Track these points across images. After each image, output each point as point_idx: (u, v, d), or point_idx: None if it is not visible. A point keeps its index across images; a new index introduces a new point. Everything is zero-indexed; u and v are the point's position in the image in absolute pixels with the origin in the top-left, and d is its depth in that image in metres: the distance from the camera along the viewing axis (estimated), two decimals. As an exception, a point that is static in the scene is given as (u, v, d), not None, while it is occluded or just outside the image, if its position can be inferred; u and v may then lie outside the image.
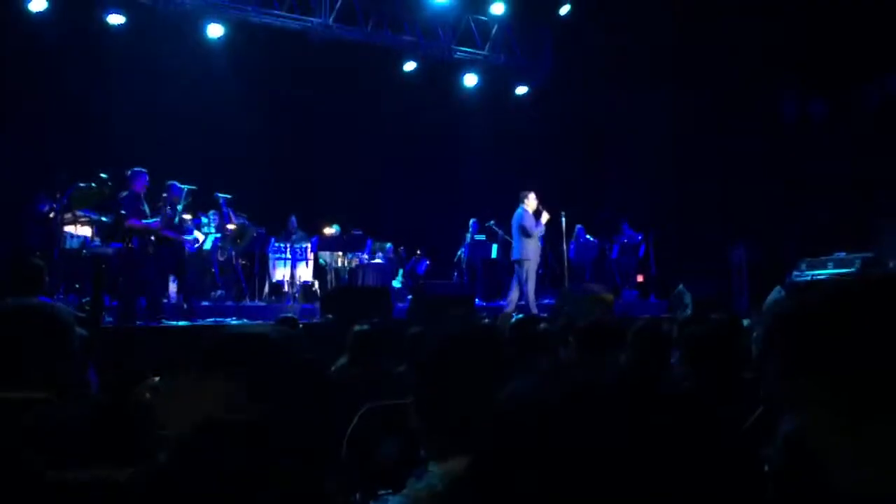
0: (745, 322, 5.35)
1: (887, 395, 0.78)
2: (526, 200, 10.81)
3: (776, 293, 10.87)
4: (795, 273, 12.09)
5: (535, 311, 10.14)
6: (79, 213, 9.51)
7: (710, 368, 3.28)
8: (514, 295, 10.83)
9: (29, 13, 11.47)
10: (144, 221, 8.61)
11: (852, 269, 11.14)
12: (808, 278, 11.80)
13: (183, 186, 9.41)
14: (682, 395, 0.69)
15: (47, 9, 11.53)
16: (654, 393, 0.68)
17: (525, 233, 10.66)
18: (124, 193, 8.68)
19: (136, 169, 8.76)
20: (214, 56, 12.89)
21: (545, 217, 10.85)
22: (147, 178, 8.77)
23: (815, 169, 12.45)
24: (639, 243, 13.85)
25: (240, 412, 1.30)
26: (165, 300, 9.52)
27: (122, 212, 8.48)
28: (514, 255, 10.87)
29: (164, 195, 9.06)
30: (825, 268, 11.73)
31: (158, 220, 8.75)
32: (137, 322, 8.31)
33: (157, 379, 2.43)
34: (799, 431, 0.81)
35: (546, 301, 11.86)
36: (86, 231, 9.80)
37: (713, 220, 13.27)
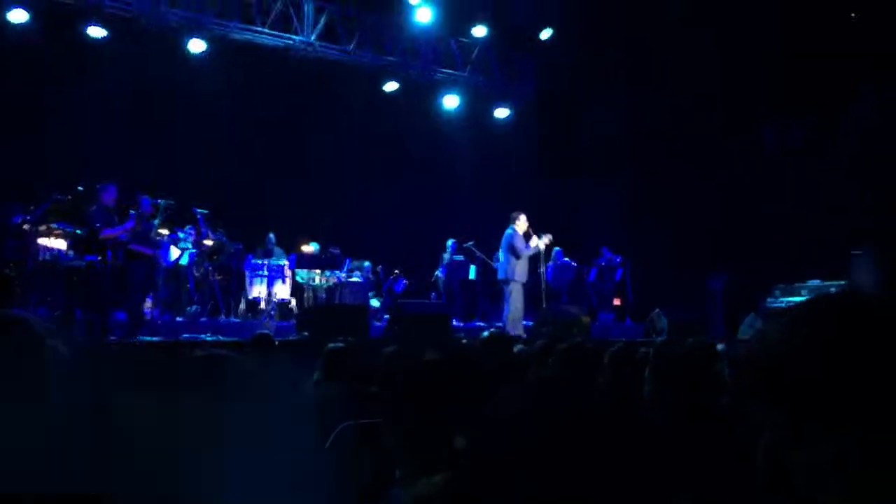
0: (720, 347, 5.38)
1: (839, 415, 0.83)
2: (517, 221, 10.84)
3: (751, 319, 10.95)
4: (770, 300, 12.21)
5: (514, 332, 10.06)
6: (53, 225, 9.40)
7: (684, 392, 3.29)
8: (508, 314, 10.77)
9: (9, 24, 11.39)
10: (116, 229, 8.56)
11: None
12: (783, 305, 11.91)
13: (159, 201, 9.36)
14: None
15: (28, 20, 11.46)
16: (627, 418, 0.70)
17: (515, 253, 10.67)
18: (93, 207, 8.62)
19: (104, 183, 8.71)
20: (195, 71, 12.84)
21: (547, 238, 10.91)
22: (116, 191, 8.73)
23: (792, 197, 12.60)
24: (616, 266, 13.92)
25: None
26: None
27: (97, 225, 8.41)
28: (501, 275, 10.86)
29: (132, 211, 9.02)
30: (799, 295, 11.85)
31: (130, 223, 8.69)
32: (111, 337, 8.22)
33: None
34: (771, 446, 0.88)
35: (524, 323, 11.87)
36: (60, 244, 9.69)
37: (690, 245, 13.38)
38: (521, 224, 10.83)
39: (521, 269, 10.73)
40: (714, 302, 12.77)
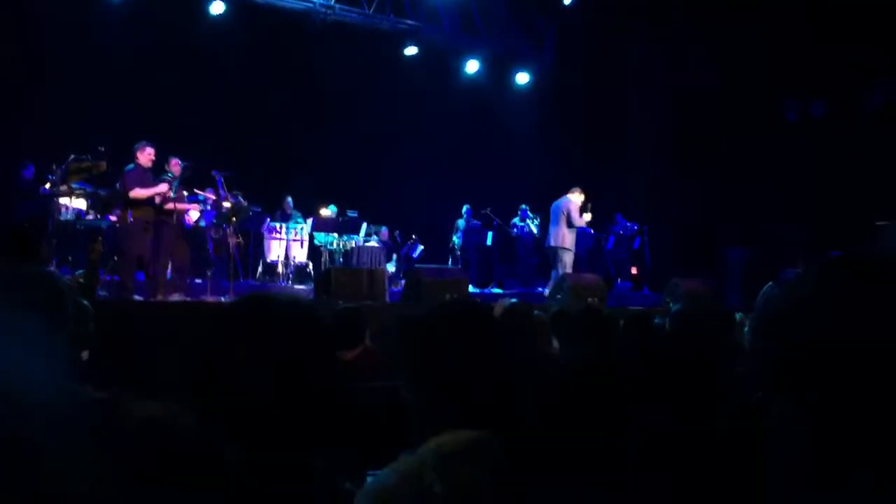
0: (738, 316, 5.37)
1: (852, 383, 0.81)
2: (574, 192, 10.94)
3: (768, 289, 10.87)
4: (790, 271, 12.10)
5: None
6: (74, 185, 9.45)
7: (700, 362, 3.29)
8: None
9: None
10: (148, 189, 8.47)
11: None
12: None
13: (180, 162, 9.36)
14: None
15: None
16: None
17: (569, 222, 10.80)
18: (130, 166, 8.52)
19: (141, 142, 8.62)
20: (215, 34, 12.81)
21: (588, 216, 11.09)
22: (153, 150, 8.63)
23: (817, 168, 12.46)
24: (633, 235, 13.85)
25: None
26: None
27: (128, 184, 8.36)
28: (551, 243, 10.94)
29: (166, 174, 8.96)
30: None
31: (163, 186, 8.61)
32: (135, 297, 8.28)
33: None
34: (781, 413, 0.86)
35: (541, 290, 11.89)
36: (80, 204, 9.76)
37: (710, 215, 13.29)
38: (578, 196, 10.95)
39: (571, 238, 10.88)
40: (734, 272, 12.69)
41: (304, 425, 1.30)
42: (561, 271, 10.81)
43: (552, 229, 11.03)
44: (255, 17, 13.06)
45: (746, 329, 4.73)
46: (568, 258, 10.87)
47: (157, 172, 8.81)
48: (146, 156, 8.53)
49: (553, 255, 11.01)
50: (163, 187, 8.56)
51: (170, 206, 8.76)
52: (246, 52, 13.07)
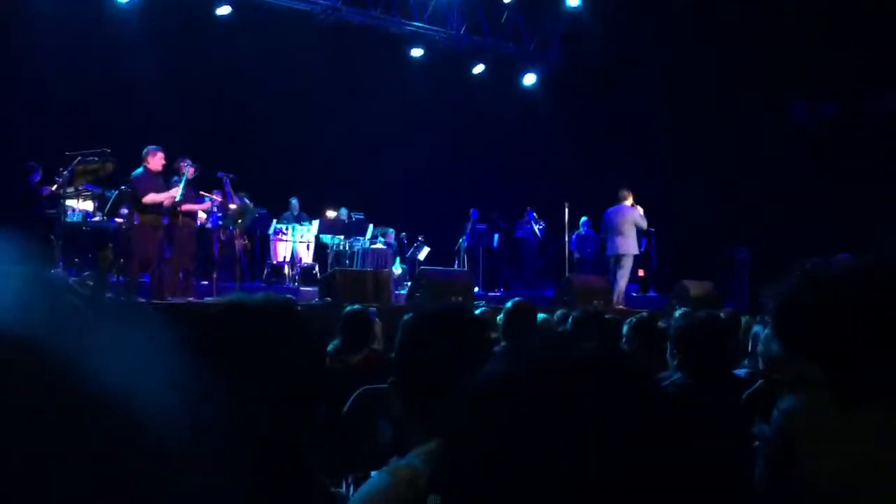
0: (744, 319, 5.35)
1: (882, 384, 0.81)
2: (629, 197, 10.98)
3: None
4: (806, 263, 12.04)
5: (622, 304, 10.52)
6: (80, 187, 9.48)
7: (704, 363, 3.28)
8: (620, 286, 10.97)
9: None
10: (159, 195, 8.47)
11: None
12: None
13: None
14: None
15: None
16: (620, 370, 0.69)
17: (638, 227, 10.92)
18: (139, 171, 8.49)
19: (152, 147, 8.61)
20: (221, 35, 12.84)
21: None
22: (163, 155, 8.61)
23: (824, 170, 12.41)
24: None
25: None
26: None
27: (128, 189, 8.39)
28: (621, 250, 10.91)
29: (175, 177, 8.96)
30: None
31: (174, 191, 8.59)
32: (139, 299, 8.28)
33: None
34: (795, 410, 0.85)
35: (547, 292, 11.87)
36: (87, 205, 9.78)
37: (717, 217, 13.24)
38: (630, 198, 10.99)
39: (633, 243, 10.96)
40: (741, 274, 12.65)
41: (292, 429, 1.30)
42: (620, 279, 10.90)
43: (614, 238, 10.97)
44: (261, 18, 13.08)
45: (752, 332, 4.70)
46: (629, 264, 10.99)
47: (166, 175, 8.80)
48: (157, 160, 8.49)
49: (616, 261, 11.04)
50: (174, 192, 8.56)
51: (185, 207, 8.75)
52: (252, 54, 13.09)
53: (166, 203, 8.54)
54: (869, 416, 0.81)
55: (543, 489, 0.61)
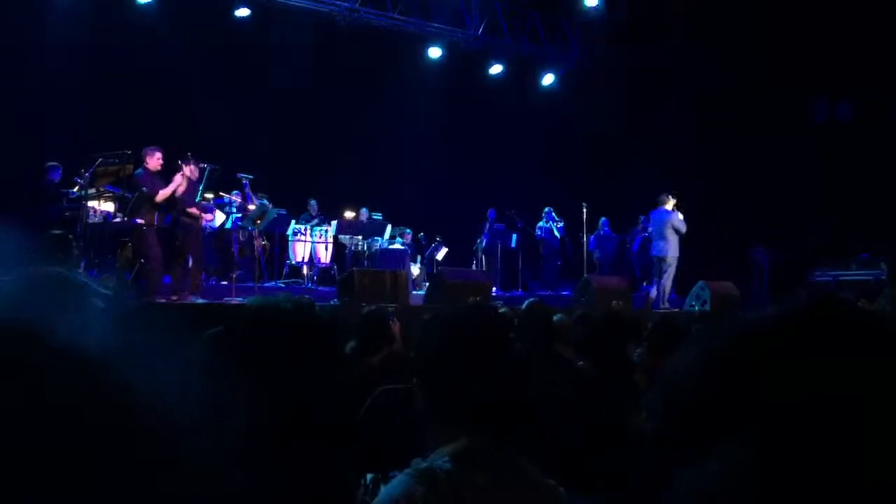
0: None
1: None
2: (670, 202, 11.07)
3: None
4: (818, 273, 11.97)
5: (665, 305, 10.73)
6: (102, 188, 9.56)
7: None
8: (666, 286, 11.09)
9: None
10: (170, 187, 8.57)
11: (877, 271, 11.06)
12: (830, 279, 11.68)
13: (204, 166, 9.43)
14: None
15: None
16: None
17: (678, 232, 10.95)
18: (139, 171, 8.64)
19: (149, 147, 8.73)
20: (241, 37, 12.90)
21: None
22: (161, 155, 8.72)
23: (843, 170, 12.29)
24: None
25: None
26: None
27: (144, 189, 8.49)
28: (665, 253, 11.00)
29: (179, 174, 9.02)
30: (849, 268, 11.62)
31: (176, 182, 8.67)
32: (159, 299, 8.35)
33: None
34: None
35: (565, 293, 11.84)
36: (109, 207, 9.86)
37: (736, 217, 13.14)
38: (670, 203, 11.07)
39: (675, 246, 11.03)
40: (760, 275, 12.56)
41: (313, 428, 1.30)
42: (664, 280, 11.00)
43: (658, 241, 11.13)
44: (280, 19, 13.13)
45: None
46: (669, 266, 11.04)
47: (165, 176, 8.88)
48: (155, 160, 8.63)
49: (659, 264, 11.10)
50: (178, 178, 8.65)
51: (193, 210, 8.86)
52: (271, 56, 13.15)
53: (179, 191, 8.63)
54: None
55: None
